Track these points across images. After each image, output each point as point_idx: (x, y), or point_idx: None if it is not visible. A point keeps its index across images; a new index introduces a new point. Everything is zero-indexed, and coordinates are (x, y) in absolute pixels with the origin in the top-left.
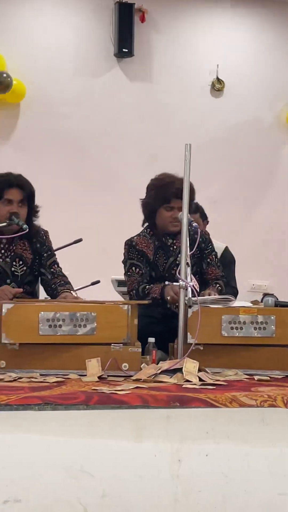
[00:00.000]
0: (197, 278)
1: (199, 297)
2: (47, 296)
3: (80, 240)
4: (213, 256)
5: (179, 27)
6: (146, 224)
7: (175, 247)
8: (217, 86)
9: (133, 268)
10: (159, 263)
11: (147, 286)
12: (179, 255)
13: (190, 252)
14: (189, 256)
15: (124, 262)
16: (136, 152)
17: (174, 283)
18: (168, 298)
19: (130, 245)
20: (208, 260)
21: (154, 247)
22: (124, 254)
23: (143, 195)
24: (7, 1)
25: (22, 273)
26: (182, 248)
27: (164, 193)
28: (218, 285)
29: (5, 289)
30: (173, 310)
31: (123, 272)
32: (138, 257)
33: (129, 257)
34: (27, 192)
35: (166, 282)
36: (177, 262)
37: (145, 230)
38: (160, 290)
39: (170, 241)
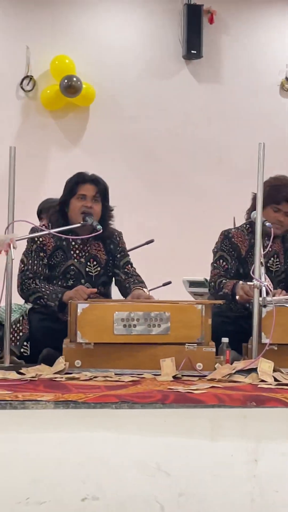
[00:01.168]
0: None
1: (273, 298)
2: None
3: (151, 241)
4: None
5: (247, 28)
6: (249, 220)
7: (270, 250)
8: (286, 86)
9: (221, 260)
10: (250, 261)
11: (223, 280)
12: (271, 259)
13: (263, 251)
14: (262, 256)
15: (214, 251)
16: (205, 153)
17: (248, 282)
18: (237, 297)
19: (225, 235)
20: None
21: (249, 244)
22: (217, 243)
23: (212, 196)
24: (76, 6)
25: (96, 273)
26: (256, 248)
27: (277, 193)
28: None
29: (80, 290)
30: (248, 311)
31: (211, 261)
32: (230, 250)
33: (221, 248)
34: (101, 188)
35: (240, 282)
36: (267, 265)
37: (245, 225)
38: (232, 286)
39: (267, 242)
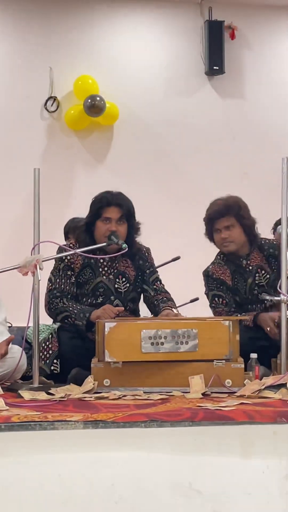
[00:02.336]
0: None
1: None
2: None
3: (178, 258)
4: None
5: (268, 42)
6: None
7: (250, 267)
8: None
9: (216, 299)
10: (239, 286)
11: (237, 315)
12: (256, 275)
13: None
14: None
15: (206, 294)
16: (229, 169)
17: (270, 313)
18: (268, 329)
19: (206, 275)
20: None
21: (231, 272)
22: (205, 286)
23: None
24: (97, 26)
25: (125, 289)
26: (282, 263)
27: (208, 219)
28: None
29: (107, 308)
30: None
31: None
32: (218, 286)
33: (210, 288)
34: (126, 210)
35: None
36: (256, 282)
37: (218, 257)
38: (253, 318)
39: (244, 262)
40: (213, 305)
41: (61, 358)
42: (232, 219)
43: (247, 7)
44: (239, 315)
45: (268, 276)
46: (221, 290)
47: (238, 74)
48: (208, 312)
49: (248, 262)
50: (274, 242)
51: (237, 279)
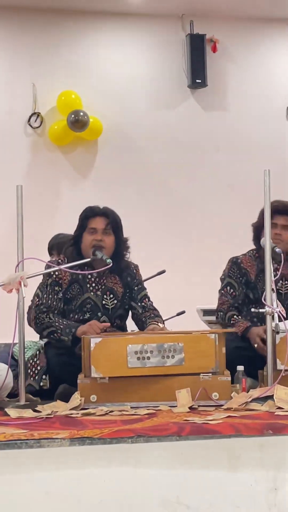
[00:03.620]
0: None
1: None
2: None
3: (163, 272)
4: None
5: (251, 54)
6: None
7: (277, 272)
8: None
9: (228, 287)
10: (259, 286)
11: (235, 316)
12: (280, 281)
13: (274, 278)
14: (273, 282)
15: (221, 278)
16: (214, 181)
17: (260, 328)
18: (255, 345)
19: (234, 262)
20: None
21: (257, 269)
22: (224, 271)
23: (223, 224)
24: (80, 41)
25: (113, 306)
26: (266, 274)
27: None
28: None
29: (93, 324)
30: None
31: (218, 289)
32: (238, 277)
33: (229, 275)
34: (112, 220)
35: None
36: (277, 288)
37: (252, 251)
38: (244, 329)
39: (275, 265)
40: (222, 291)
41: (50, 373)
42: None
43: (228, 20)
44: (236, 316)
45: None
46: (238, 282)
47: (220, 87)
48: (195, 325)
49: (278, 267)
50: None
51: (261, 278)
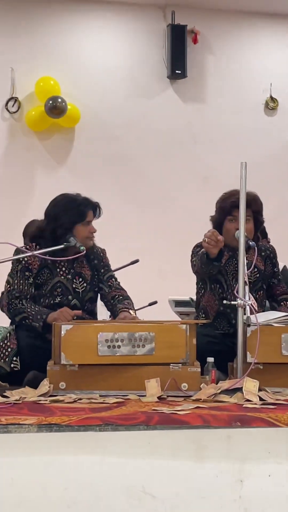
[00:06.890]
0: (262, 294)
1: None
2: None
3: (137, 261)
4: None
5: (231, 47)
6: None
7: (246, 261)
8: (271, 105)
9: (199, 249)
10: (228, 269)
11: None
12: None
13: (248, 270)
14: (247, 275)
15: (192, 260)
16: (190, 172)
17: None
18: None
19: (198, 245)
20: (280, 276)
21: (227, 254)
22: (192, 254)
23: (197, 216)
24: (60, 27)
25: (82, 289)
26: (239, 267)
27: (225, 204)
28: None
29: (64, 311)
30: (233, 328)
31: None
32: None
33: (199, 245)
34: (98, 212)
35: None
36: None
37: None
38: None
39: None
40: (194, 251)
41: (20, 355)
42: (250, 212)
43: (210, 12)
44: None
45: (257, 275)
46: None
47: (200, 78)
48: (166, 316)
49: (246, 255)
50: (269, 246)
51: (229, 263)
